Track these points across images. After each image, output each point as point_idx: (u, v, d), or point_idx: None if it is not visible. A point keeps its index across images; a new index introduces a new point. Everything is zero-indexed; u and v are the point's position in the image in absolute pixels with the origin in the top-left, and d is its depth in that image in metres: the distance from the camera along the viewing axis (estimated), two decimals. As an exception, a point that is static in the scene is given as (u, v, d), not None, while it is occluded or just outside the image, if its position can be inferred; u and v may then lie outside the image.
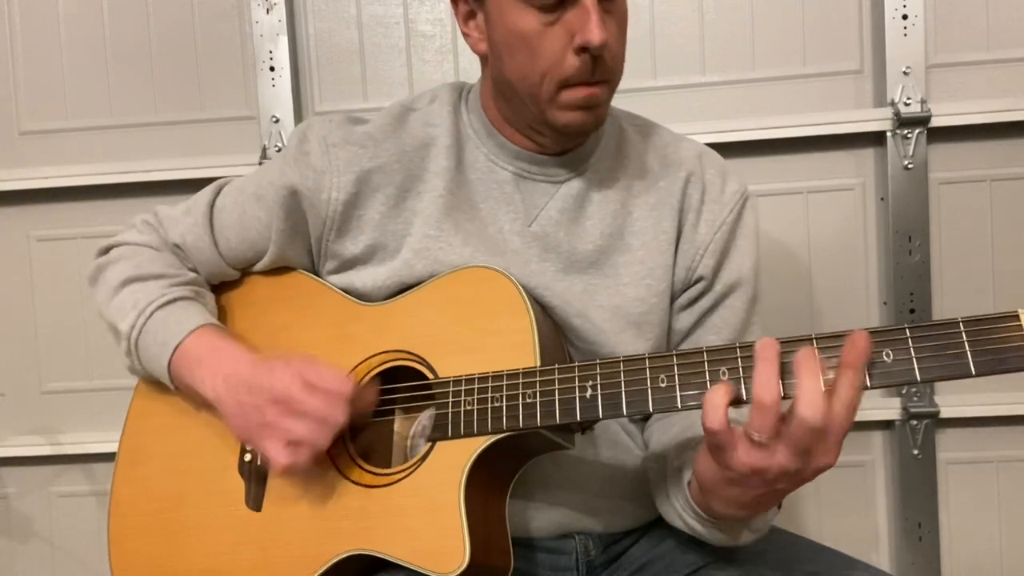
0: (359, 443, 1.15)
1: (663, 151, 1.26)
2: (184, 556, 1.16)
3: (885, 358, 0.87)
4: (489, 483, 1.07)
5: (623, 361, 0.98)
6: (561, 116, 1.12)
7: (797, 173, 1.90)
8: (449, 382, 1.07)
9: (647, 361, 0.97)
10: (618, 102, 1.29)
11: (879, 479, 1.94)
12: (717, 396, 0.88)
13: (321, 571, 1.07)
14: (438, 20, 1.96)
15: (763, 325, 1.26)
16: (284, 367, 1.07)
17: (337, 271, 1.22)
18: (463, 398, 1.05)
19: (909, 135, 1.82)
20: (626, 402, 0.97)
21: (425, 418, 1.16)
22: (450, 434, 1.05)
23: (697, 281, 1.22)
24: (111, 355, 1.24)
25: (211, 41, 2.01)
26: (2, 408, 2.09)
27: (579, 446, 1.13)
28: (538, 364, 1.03)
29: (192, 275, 1.26)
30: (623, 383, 0.97)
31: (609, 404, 0.97)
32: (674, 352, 0.96)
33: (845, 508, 1.94)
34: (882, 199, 1.87)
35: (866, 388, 0.87)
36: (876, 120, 1.84)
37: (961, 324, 0.85)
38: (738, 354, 0.92)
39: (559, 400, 1.00)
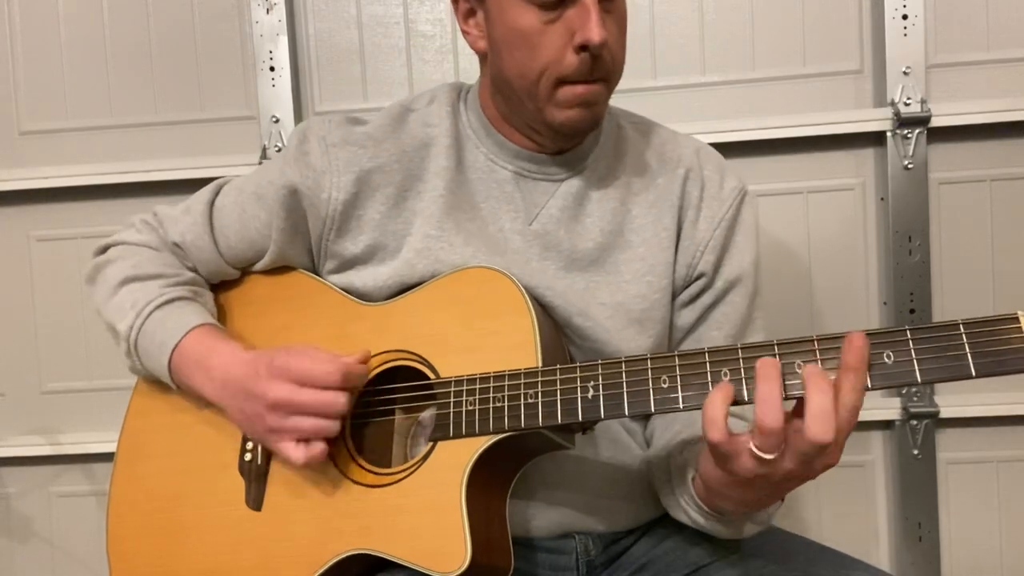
0: (359, 442, 1.15)
1: (661, 149, 1.27)
2: (183, 555, 1.16)
3: (886, 359, 0.87)
4: (490, 483, 1.07)
5: (625, 361, 0.98)
6: (559, 114, 1.13)
7: (797, 173, 1.90)
8: (451, 382, 1.07)
9: (649, 361, 0.97)
10: (618, 102, 1.29)
11: (879, 479, 1.94)
12: (715, 408, 0.88)
13: (321, 571, 1.07)
14: (438, 20, 1.96)
15: (766, 320, 1.27)
16: (273, 370, 1.07)
17: (337, 271, 1.22)
18: (465, 398, 1.05)
19: (909, 135, 1.82)
20: (628, 403, 0.97)
21: (426, 418, 1.16)
22: (451, 434, 1.05)
23: (698, 277, 1.22)
24: (111, 355, 1.24)
25: (211, 41, 2.01)
26: (2, 408, 2.09)
27: (579, 445, 1.13)
28: (540, 364, 1.03)
29: (190, 274, 1.26)
30: (625, 383, 0.97)
31: (611, 404, 0.98)
32: (676, 353, 0.96)
33: (845, 508, 1.94)
34: (882, 199, 1.87)
35: (867, 389, 0.87)
36: (876, 120, 1.84)
37: (961, 326, 0.85)
38: (740, 355, 0.92)
39: (561, 400, 1.00)
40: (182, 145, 2.01)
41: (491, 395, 1.03)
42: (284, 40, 1.95)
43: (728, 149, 1.38)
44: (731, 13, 1.90)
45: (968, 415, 1.87)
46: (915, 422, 1.86)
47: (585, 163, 1.22)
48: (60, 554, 2.12)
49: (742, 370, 0.91)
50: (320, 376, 1.05)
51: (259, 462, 1.15)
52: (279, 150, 1.92)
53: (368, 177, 1.19)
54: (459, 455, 1.03)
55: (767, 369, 0.87)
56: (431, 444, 1.07)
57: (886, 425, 1.92)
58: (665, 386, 0.95)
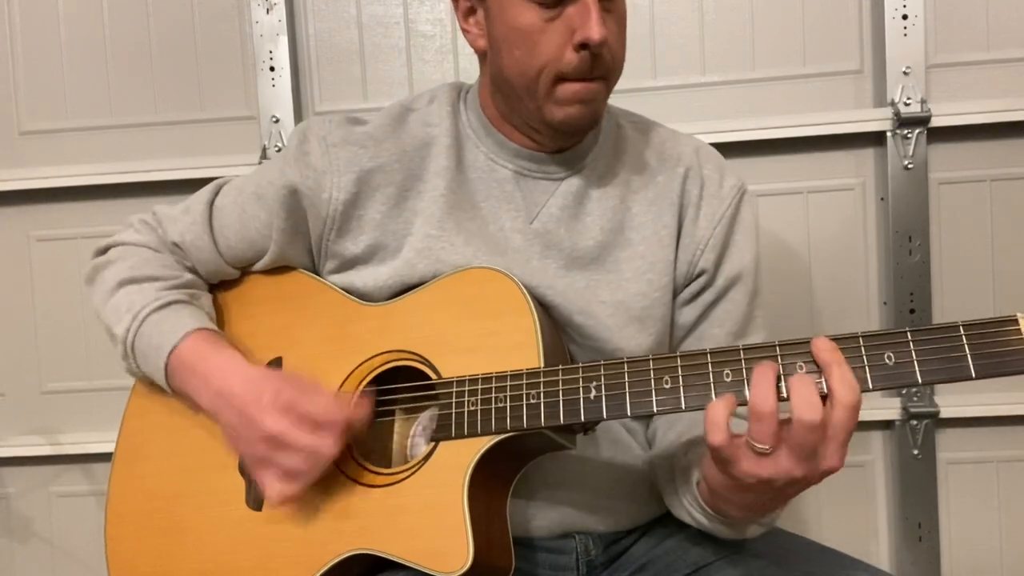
0: (360, 442, 1.15)
1: (661, 147, 1.27)
2: (182, 556, 1.16)
3: (887, 361, 0.88)
4: (491, 483, 1.07)
5: (627, 362, 0.99)
6: (558, 112, 1.13)
7: (797, 173, 1.90)
8: (453, 382, 1.07)
9: (651, 362, 0.97)
10: (618, 102, 1.29)
11: (879, 479, 1.94)
12: (718, 412, 0.89)
13: (322, 571, 1.07)
14: (438, 20, 1.96)
15: (766, 318, 1.26)
16: (278, 402, 1.06)
17: (338, 271, 1.22)
18: (467, 398, 1.05)
19: (909, 135, 1.82)
20: (630, 403, 0.97)
21: (426, 418, 1.16)
22: (453, 434, 1.05)
23: (699, 275, 1.22)
24: (111, 355, 1.24)
25: (211, 41, 2.01)
26: (2, 408, 2.09)
27: (580, 445, 1.13)
28: (542, 365, 1.03)
29: (189, 276, 1.26)
30: (627, 384, 0.98)
31: (613, 405, 0.98)
32: (678, 353, 0.97)
33: (845, 508, 1.94)
34: (882, 199, 1.87)
35: (868, 390, 0.88)
36: (876, 120, 1.84)
37: (961, 328, 0.86)
38: (741, 355, 0.93)
39: (563, 401, 1.00)
40: (182, 145, 2.01)
41: (493, 395, 1.03)
42: (284, 40, 1.95)
43: (728, 149, 1.38)
44: (731, 13, 1.90)
45: (968, 415, 1.88)
46: (915, 422, 1.87)
47: (585, 162, 1.22)
48: (60, 554, 2.12)
49: (744, 371, 0.92)
50: (322, 421, 1.04)
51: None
52: (279, 150, 1.92)
53: (369, 177, 1.19)
54: (461, 455, 1.03)
55: (762, 365, 0.89)
56: (433, 444, 1.07)
57: (886, 425, 1.92)
58: (667, 387, 0.95)
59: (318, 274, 1.25)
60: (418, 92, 1.31)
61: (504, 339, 1.07)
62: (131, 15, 2.01)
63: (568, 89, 1.11)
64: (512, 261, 1.16)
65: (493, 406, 1.03)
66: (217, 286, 1.31)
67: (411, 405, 1.16)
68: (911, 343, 0.87)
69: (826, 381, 0.87)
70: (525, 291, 1.08)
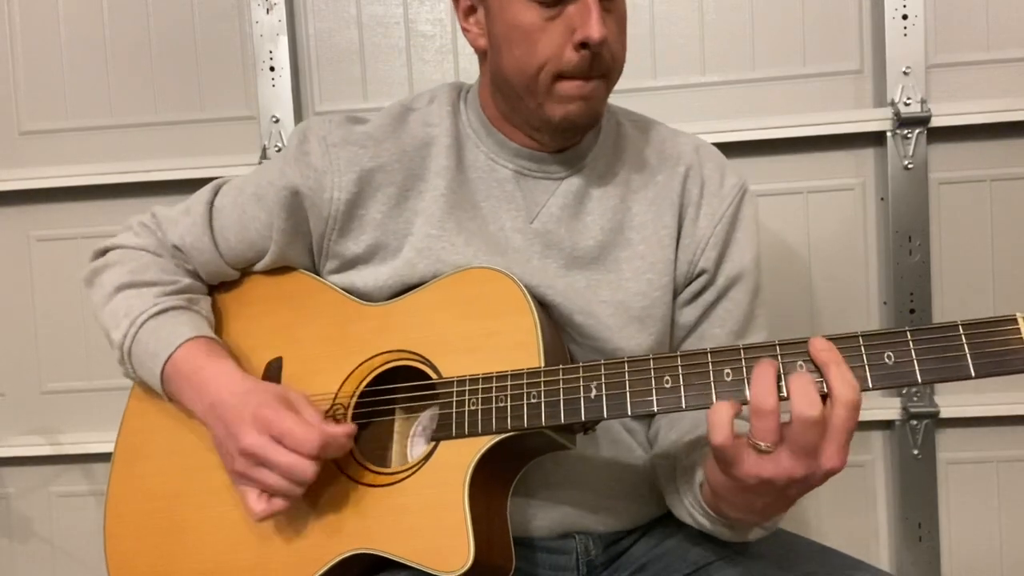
0: (360, 442, 1.15)
1: (661, 146, 1.27)
2: (182, 555, 1.16)
3: (887, 360, 0.88)
4: (492, 482, 1.07)
5: (628, 362, 0.99)
6: (558, 109, 1.13)
7: (797, 173, 1.90)
8: (453, 382, 1.07)
9: (652, 362, 0.97)
10: (618, 102, 1.30)
11: (879, 479, 1.94)
12: (721, 412, 0.89)
13: (323, 570, 1.07)
14: (438, 20, 1.96)
15: (767, 317, 1.26)
16: (256, 419, 1.05)
17: (338, 271, 1.22)
18: (467, 397, 1.05)
19: (909, 135, 1.82)
20: (631, 403, 0.97)
21: (426, 418, 1.16)
22: (454, 433, 1.05)
23: (700, 275, 1.22)
24: (111, 355, 1.24)
25: (211, 41, 2.01)
26: (2, 408, 2.09)
27: (580, 445, 1.13)
28: (542, 364, 1.03)
29: (187, 280, 1.26)
30: (627, 383, 0.98)
31: (614, 404, 0.98)
32: (678, 353, 0.97)
33: (845, 508, 1.94)
34: (882, 199, 1.87)
35: (868, 389, 0.88)
36: (876, 120, 1.84)
37: (960, 327, 0.87)
38: (742, 355, 0.93)
39: (564, 400, 1.00)
40: (182, 145, 2.01)
41: (494, 395, 1.04)
42: (284, 40, 1.95)
43: (728, 149, 1.38)
44: (731, 13, 1.90)
45: (968, 415, 1.88)
46: (915, 422, 1.87)
47: (585, 161, 1.22)
48: (60, 554, 2.12)
49: (744, 370, 0.92)
50: (299, 440, 1.03)
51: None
52: (279, 150, 1.92)
53: (369, 176, 1.19)
54: (461, 455, 1.03)
55: (763, 365, 0.89)
56: (433, 444, 1.07)
57: (886, 425, 1.92)
58: (668, 386, 0.95)
59: (318, 274, 1.25)
60: (418, 92, 1.31)
61: (504, 339, 1.07)
62: (131, 15, 2.01)
63: (568, 87, 1.12)
64: (512, 261, 1.16)
65: (494, 405, 1.03)
66: (217, 286, 1.31)
67: (411, 405, 1.16)
68: (911, 343, 0.88)
69: (825, 380, 0.87)
70: (525, 291, 1.08)
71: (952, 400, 1.87)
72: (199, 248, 1.26)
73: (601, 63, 1.11)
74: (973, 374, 0.85)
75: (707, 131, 1.78)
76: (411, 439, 1.17)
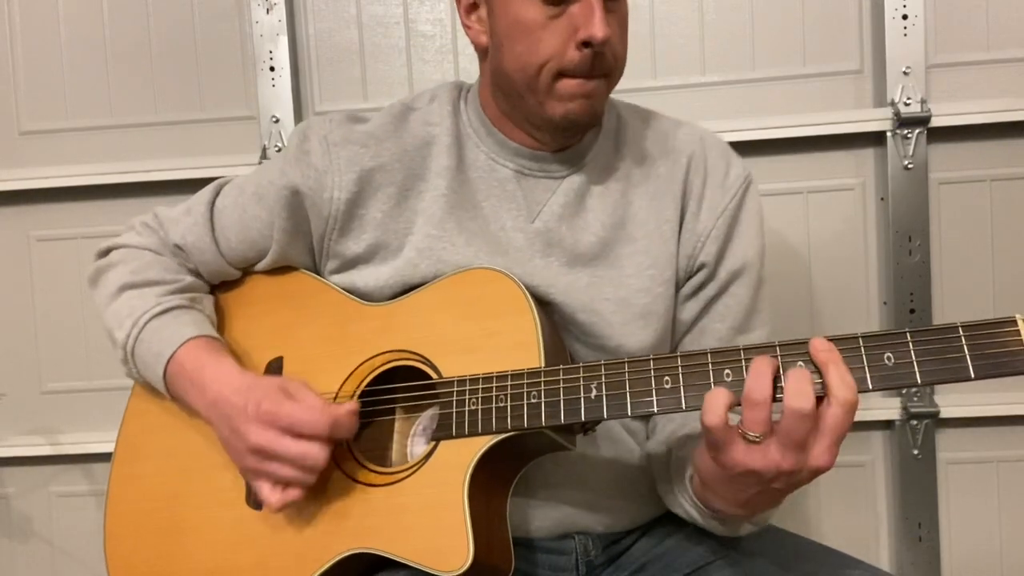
0: (360, 441, 1.15)
1: (663, 138, 1.26)
2: (182, 555, 1.16)
3: (887, 361, 0.88)
4: (492, 482, 1.07)
5: (628, 362, 0.99)
6: (559, 107, 1.13)
7: (797, 173, 1.90)
8: (453, 382, 1.07)
9: (652, 362, 0.97)
10: (618, 102, 1.29)
11: (879, 479, 1.94)
12: (718, 396, 0.89)
13: (322, 570, 1.07)
14: (438, 20, 1.96)
15: (770, 313, 1.25)
16: (260, 414, 1.06)
17: (339, 270, 1.22)
18: (467, 397, 1.05)
19: (909, 135, 1.82)
20: (631, 403, 0.97)
21: (426, 418, 1.16)
22: (454, 433, 1.05)
23: (699, 269, 1.21)
24: (111, 355, 1.24)
25: (211, 41, 2.00)
26: (2, 408, 2.08)
27: (580, 445, 1.13)
28: (542, 364, 1.04)
29: (190, 279, 1.26)
30: (627, 383, 0.98)
31: (614, 405, 0.98)
32: (678, 353, 0.97)
33: (845, 508, 1.94)
34: (882, 199, 1.87)
35: (868, 390, 0.88)
36: (876, 120, 1.84)
37: (960, 329, 0.87)
38: (742, 355, 0.93)
39: (564, 400, 1.00)
40: (182, 145, 2.01)
41: (494, 395, 1.04)
42: (284, 40, 1.95)
43: (728, 149, 1.38)
44: (731, 13, 1.90)
45: (968, 415, 1.88)
46: (915, 422, 1.87)
47: (586, 159, 1.22)
48: (60, 554, 2.12)
49: (743, 370, 0.92)
50: (307, 426, 1.04)
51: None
52: (279, 150, 1.92)
53: (370, 176, 1.19)
54: (461, 454, 1.03)
55: (760, 361, 0.89)
56: (433, 443, 1.07)
57: (886, 425, 1.92)
58: (667, 386, 0.96)
59: (319, 274, 1.25)
60: (419, 91, 1.30)
61: (505, 339, 1.07)
62: (131, 15, 2.01)
63: (569, 85, 1.11)
64: (513, 261, 1.16)
65: (494, 405, 1.03)
66: (219, 286, 1.31)
67: (411, 404, 1.16)
68: (910, 344, 0.88)
69: (824, 380, 0.87)
70: (526, 291, 1.08)
71: (952, 400, 1.87)
72: (200, 248, 1.26)
73: (603, 62, 1.11)
74: (973, 376, 0.85)
75: (707, 131, 1.78)
76: (411, 439, 1.17)
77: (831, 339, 0.89)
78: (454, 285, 1.14)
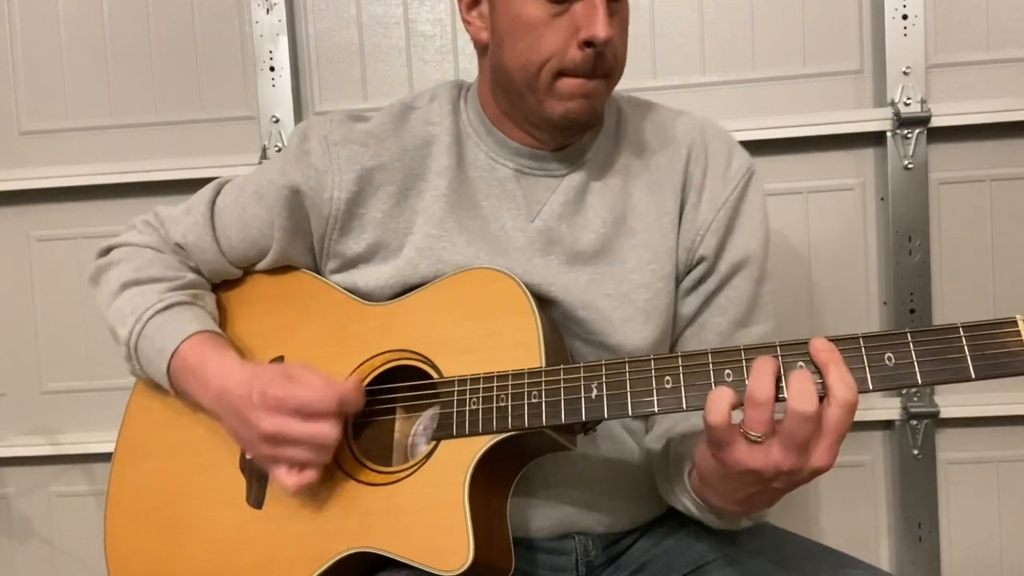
0: (360, 441, 1.15)
1: (662, 128, 1.25)
2: (183, 554, 1.16)
3: (887, 362, 0.88)
4: (492, 482, 1.07)
5: (628, 362, 0.99)
6: (558, 106, 1.13)
7: (797, 173, 1.90)
8: (454, 381, 1.07)
9: (652, 362, 0.97)
10: (618, 103, 1.29)
11: (879, 479, 1.94)
12: (722, 394, 0.89)
13: (323, 569, 1.07)
14: (438, 20, 1.96)
15: (775, 308, 1.24)
16: (267, 400, 1.06)
17: (340, 270, 1.22)
18: (468, 397, 1.05)
19: (909, 135, 1.82)
20: (632, 403, 0.97)
21: (426, 417, 1.16)
22: (455, 433, 1.05)
23: (699, 262, 1.20)
24: (111, 355, 1.24)
25: (211, 41, 2.00)
26: (2, 408, 2.08)
27: (580, 445, 1.13)
28: (543, 364, 1.04)
29: (192, 277, 1.26)
30: (628, 384, 0.98)
31: (615, 405, 0.98)
32: (679, 354, 0.97)
33: (845, 508, 1.94)
34: (882, 199, 1.87)
35: (868, 391, 0.88)
36: (876, 120, 1.84)
37: (961, 329, 0.87)
38: (742, 355, 0.93)
39: (564, 400, 1.00)
40: (182, 145, 2.01)
41: (495, 394, 1.04)
42: (284, 40, 1.95)
43: (728, 149, 1.38)
44: (731, 13, 1.90)
45: (968, 415, 1.88)
46: (915, 422, 1.87)
47: (585, 157, 1.22)
48: (60, 554, 2.12)
49: (744, 370, 0.92)
50: (315, 406, 1.05)
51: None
52: (279, 150, 1.92)
53: (370, 175, 1.19)
54: (462, 454, 1.03)
55: (762, 361, 0.89)
56: (434, 443, 1.07)
57: (886, 425, 1.92)
58: (668, 386, 0.96)
59: (320, 274, 1.25)
60: (419, 90, 1.30)
61: (505, 339, 1.07)
62: (131, 15, 2.01)
63: (569, 84, 1.11)
64: (514, 260, 1.16)
65: (494, 405, 1.03)
66: (219, 285, 1.31)
67: (412, 404, 1.16)
68: (911, 344, 0.88)
69: (824, 380, 0.87)
70: (527, 291, 1.08)
71: (952, 400, 1.87)
72: (201, 246, 1.26)
73: (604, 63, 1.11)
74: (973, 376, 0.85)
75: (707, 131, 1.78)
76: (412, 438, 1.17)
77: (832, 339, 0.89)
78: (455, 285, 1.14)
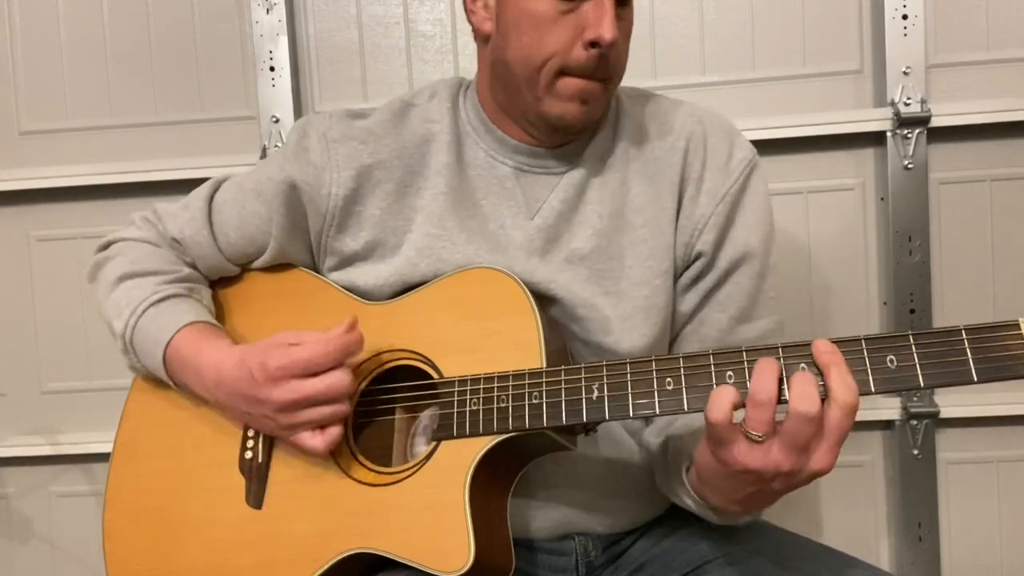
0: (360, 441, 1.15)
1: (661, 119, 1.23)
2: (182, 553, 1.16)
3: (889, 364, 0.88)
4: (492, 482, 1.07)
5: (629, 363, 0.98)
6: (556, 106, 1.12)
7: (797, 173, 1.90)
8: (455, 382, 1.07)
9: (653, 363, 0.97)
10: (619, 103, 1.28)
11: (879, 479, 1.94)
12: (725, 392, 0.89)
13: (323, 570, 1.07)
14: (438, 20, 1.96)
15: (778, 303, 1.23)
16: (270, 372, 1.06)
17: (337, 268, 1.22)
18: (468, 397, 1.05)
19: (909, 135, 1.82)
20: (633, 404, 0.97)
21: (427, 418, 1.16)
22: (455, 433, 1.05)
23: (697, 258, 1.19)
24: (111, 355, 1.24)
25: (211, 41, 2.00)
26: (2, 408, 2.09)
27: (580, 446, 1.13)
28: (544, 365, 1.03)
29: (188, 270, 1.26)
30: (629, 385, 0.98)
31: (616, 406, 0.98)
32: (680, 355, 0.96)
33: (845, 508, 1.94)
34: (882, 199, 1.87)
35: (870, 393, 0.88)
36: (876, 120, 1.84)
37: (963, 332, 0.86)
38: (744, 358, 0.93)
39: (565, 401, 1.00)
40: (182, 145, 2.01)
41: (495, 395, 1.04)
42: (284, 40, 1.95)
43: (729, 149, 1.38)
44: (731, 13, 1.90)
45: (968, 415, 1.87)
46: (915, 422, 1.86)
47: (584, 155, 1.21)
48: (60, 554, 2.12)
49: (746, 372, 0.92)
50: (322, 359, 1.05)
51: (260, 460, 1.15)
52: (279, 150, 1.92)
53: (368, 173, 1.19)
54: (462, 455, 1.03)
55: (765, 363, 0.89)
56: (434, 444, 1.07)
57: (886, 425, 1.92)
58: (670, 388, 0.95)
59: (318, 272, 1.25)
60: (418, 88, 1.30)
61: (506, 339, 1.07)
62: (131, 15, 2.01)
63: (569, 84, 1.11)
64: (513, 259, 1.16)
65: (495, 406, 1.03)
66: (217, 283, 1.31)
67: (412, 404, 1.16)
68: (913, 346, 0.87)
69: (825, 382, 0.87)
70: (527, 291, 1.08)
71: (952, 400, 1.87)
72: (198, 242, 1.26)
73: (606, 66, 1.11)
74: (976, 379, 0.85)
75: (707, 131, 1.78)
76: (412, 439, 1.17)
77: (834, 341, 0.89)
78: (455, 284, 1.14)
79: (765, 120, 1.85)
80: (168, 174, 1.96)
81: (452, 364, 1.09)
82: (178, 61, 2.01)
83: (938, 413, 1.85)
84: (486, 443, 1.03)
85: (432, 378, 1.10)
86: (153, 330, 1.18)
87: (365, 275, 1.19)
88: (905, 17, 1.82)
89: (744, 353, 0.93)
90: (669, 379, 0.96)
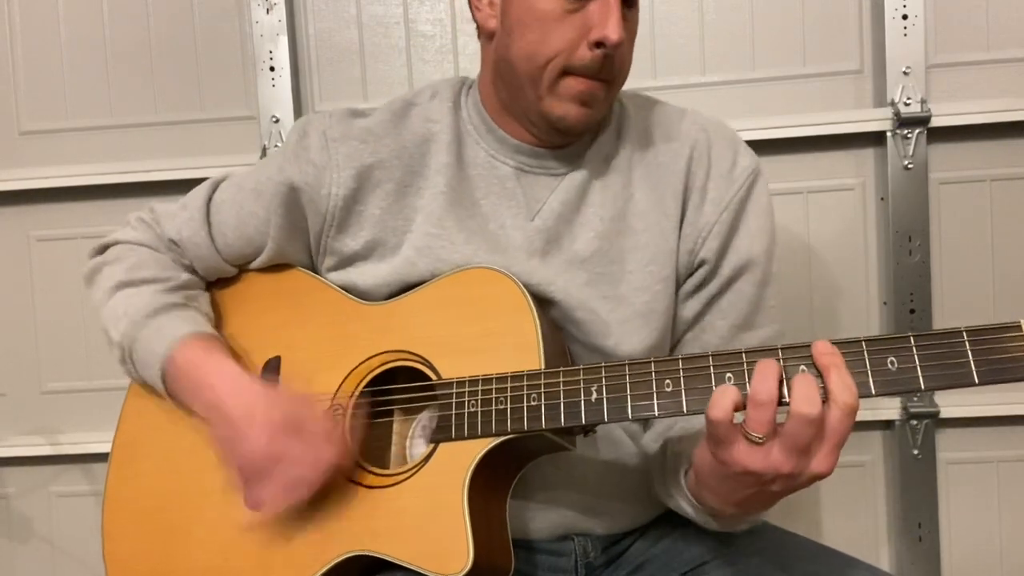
0: (359, 442, 1.15)
1: (665, 127, 1.23)
2: (181, 555, 1.16)
3: (890, 366, 0.87)
4: (491, 484, 1.07)
5: (628, 365, 0.98)
6: (558, 106, 1.12)
7: (797, 173, 1.90)
8: (452, 383, 1.07)
9: (653, 364, 0.97)
10: (619, 103, 1.28)
11: (879, 479, 1.94)
12: (726, 392, 0.88)
13: (321, 572, 1.07)
14: (438, 20, 1.96)
15: (778, 311, 1.23)
16: (267, 418, 1.06)
17: (336, 268, 1.22)
18: (467, 399, 1.05)
19: (909, 135, 1.82)
20: (631, 406, 0.97)
21: (425, 419, 1.16)
22: (454, 435, 1.04)
23: (700, 266, 1.18)
24: (111, 355, 1.23)
25: (211, 41, 2.00)
26: (2, 408, 2.09)
27: (580, 447, 1.12)
28: (542, 366, 1.03)
29: (185, 277, 1.25)
30: (628, 386, 0.97)
31: (614, 408, 0.97)
32: (679, 356, 0.96)
33: (845, 508, 1.94)
34: (882, 199, 1.87)
35: (871, 395, 0.88)
36: (876, 120, 1.84)
37: (964, 334, 0.86)
38: (743, 358, 0.92)
39: (564, 403, 1.00)
40: (182, 145, 2.01)
41: (494, 397, 1.03)
42: (284, 40, 1.95)
43: (729, 150, 1.38)
44: (731, 13, 1.90)
45: (968, 415, 1.88)
46: (915, 422, 1.87)
47: (586, 156, 1.20)
48: (60, 554, 2.12)
49: (745, 373, 0.91)
50: (319, 431, 1.06)
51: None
52: (279, 150, 1.92)
53: (369, 172, 1.18)
54: (461, 457, 1.03)
55: (766, 364, 0.89)
56: (432, 446, 1.07)
57: (886, 425, 1.92)
58: (668, 390, 0.95)
59: (317, 272, 1.24)
60: (420, 86, 1.29)
61: (504, 340, 1.07)
62: (131, 15, 2.01)
63: (572, 84, 1.11)
64: (512, 259, 1.15)
65: (493, 407, 1.03)
66: (215, 284, 1.31)
67: (410, 406, 1.16)
68: (914, 348, 0.87)
69: (825, 383, 0.87)
70: (525, 292, 1.08)
71: (952, 400, 1.87)
72: (196, 242, 1.26)
73: (610, 67, 1.10)
74: (977, 381, 0.84)
75: (707, 131, 1.78)
76: (410, 440, 1.17)
77: (834, 342, 0.89)
78: (453, 285, 1.13)
79: (765, 120, 1.85)
80: (168, 174, 1.96)
81: (450, 365, 1.08)
82: (178, 61, 2.01)
83: (938, 413, 1.85)
84: (485, 445, 1.03)
85: (430, 379, 1.10)
86: (151, 342, 1.17)
87: (364, 275, 1.19)
88: (905, 17, 1.82)
89: (744, 355, 0.92)
90: (668, 381, 0.95)
